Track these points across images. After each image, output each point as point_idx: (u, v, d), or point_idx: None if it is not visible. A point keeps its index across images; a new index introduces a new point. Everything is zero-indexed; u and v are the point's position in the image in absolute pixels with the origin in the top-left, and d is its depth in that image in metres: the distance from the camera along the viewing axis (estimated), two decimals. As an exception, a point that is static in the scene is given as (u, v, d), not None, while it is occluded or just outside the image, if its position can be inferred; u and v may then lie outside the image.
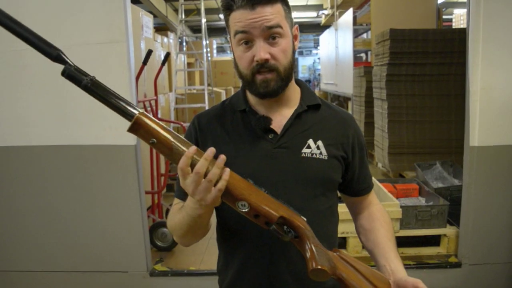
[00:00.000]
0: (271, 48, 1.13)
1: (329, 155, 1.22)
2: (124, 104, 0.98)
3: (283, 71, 1.15)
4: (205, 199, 0.98)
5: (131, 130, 0.97)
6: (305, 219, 1.06)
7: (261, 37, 1.12)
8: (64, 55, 0.93)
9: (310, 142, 1.22)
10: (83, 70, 0.96)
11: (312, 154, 1.21)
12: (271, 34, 1.12)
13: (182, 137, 1.00)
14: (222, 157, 0.98)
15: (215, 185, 0.97)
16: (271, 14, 1.10)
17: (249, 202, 1.00)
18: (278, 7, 1.13)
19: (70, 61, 0.94)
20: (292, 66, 1.19)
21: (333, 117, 1.29)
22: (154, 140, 0.97)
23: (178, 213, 1.14)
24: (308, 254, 1.02)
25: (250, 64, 1.14)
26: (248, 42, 1.14)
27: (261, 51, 1.11)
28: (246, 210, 1.00)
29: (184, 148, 0.97)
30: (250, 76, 1.16)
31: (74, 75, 0.95)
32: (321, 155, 1.21)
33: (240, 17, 1.12)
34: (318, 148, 1.22)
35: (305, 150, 1.21)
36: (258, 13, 1.10)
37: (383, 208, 1.41)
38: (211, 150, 0.97)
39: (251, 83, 1.17)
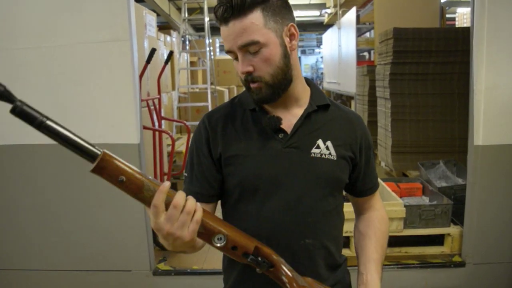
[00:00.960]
0: (253, 59, 1.14)
1: (338, 156, 1.23)
2: (85, 143, 0.90)
3: (270, 79, 1.16)
4: (182, 236, 0.92)
5: (96, 170, 0.88)
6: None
7: (239, 52, 1.14)
8: (9, 90, 0.84)
9: (320, 142, 1.22)
10: (34, 107, 0.87)
11: (322, 154, 1.21)
12: (246, 50, 1.13)
13: (148, 176, 0.93)
14: (190, 196, 0.94)
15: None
16: (242, 29, 1.11)
17: (226, 234, 0.96)
18: (254, 16, 1.11)
19: (17, 98, 0.85)
20: (285, 70, 1.18)
21: (342, 118, 1.30)
22: (123, 178, 0.89)
23: None
24: (286, 279, 1.02)
25: (242, 74, 1.17)
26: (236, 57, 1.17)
27: (242, 65, 1.15)
28: (222, 243, 0.96)
29: (155, 184, 0.91)
30: (246, 85, 1.19)
31: (26, 112, 0.86)
32: (330, 156, 1.22)
33: (222, 34, 1.16)
34: (327, 148, 1.22)
35: (314, 150, 1.21)
36: (232, 28, 1.11)
37: (384, 216, 1.41)
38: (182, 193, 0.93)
39: (248, 90, 1.21)
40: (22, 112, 0.85)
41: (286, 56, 1.18)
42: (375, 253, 1.28)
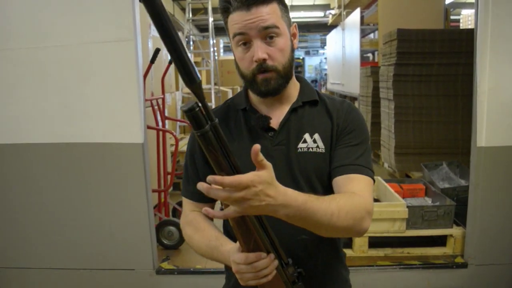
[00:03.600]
0: (269, 48, 1.16)
1: (327, 148, 1.23)
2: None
3: (282, 70, 1.19)
4: (243, 279, 1.02)
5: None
6: None
7: (258, 37, 1.14)
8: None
9: (306, 136, 1.24)
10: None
11: (308, 149, 1.22)
12: (267, 34, 1.15)
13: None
14: (276, 263, 1.02)
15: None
16: (266, 14, 1.13)
17: None
18: (274, 6, 1.15)
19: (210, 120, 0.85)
20: (291, 64, 1.22)
21: (329, 109, 1.29)
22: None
23: (204, 242, 1.20)
24: None
25: (251, 64, 1.18)
26: (247, 43, 1.17)
27: (259, 51, 1.15)
28: None
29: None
30: (251, 76, 1.19)
31: (198, 117, 0.84)
32: (318, 148, 1.22)
33: (237, 19, 1.14)
34: (314, 141, 1.23)
35: (301, 145, 1.23)
36: (254, 13, 1.12)
37: (359, 195, 1.12)
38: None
39: (252, 83, 1.20)
40: (195, 116, 0.84)
41: (293, 50, 1.22)
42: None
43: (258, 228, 0.97)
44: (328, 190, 1.25)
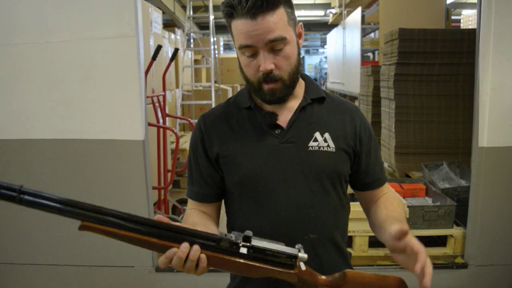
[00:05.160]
0: (275, 57, 1.13)
1: (337, 147, 1.22)
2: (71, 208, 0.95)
3: (288, 78, 1.17)
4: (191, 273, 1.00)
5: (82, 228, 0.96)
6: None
7: (264, 48, 1.12)
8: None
9: (317, 135, 1.22)
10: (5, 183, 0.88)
11: (320, 147, 1.21)
12: (274, 46, 1.12)
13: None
14: (195, 248, 0.97)
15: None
16: (273, 23, 1.09)
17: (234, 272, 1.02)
18: (280, 12, 1.11)
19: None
20: (297, 68, 1.20)
21: (339, 109, 1.29)
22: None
23: None
24: None
25: (256, 73, 1.16)
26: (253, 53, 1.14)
27: (266, 62, 1.12)
28: None
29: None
30: (257, 84, 1.17)
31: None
32: (328, 148, 1.22)
33: (242, 28, 1.11)
34: (325, 140, 1.22)
35: (312, 143, 1.21)
36: (260, 24, 1.08)
37: (393, 195, 1.35)
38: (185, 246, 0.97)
39: (258, 90, 1.19)
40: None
41: (299, 54, 1.20)
42: (389, 216, 1.22)
43: (128, 232, 0.99)
44: (336, 188, 1.24)
